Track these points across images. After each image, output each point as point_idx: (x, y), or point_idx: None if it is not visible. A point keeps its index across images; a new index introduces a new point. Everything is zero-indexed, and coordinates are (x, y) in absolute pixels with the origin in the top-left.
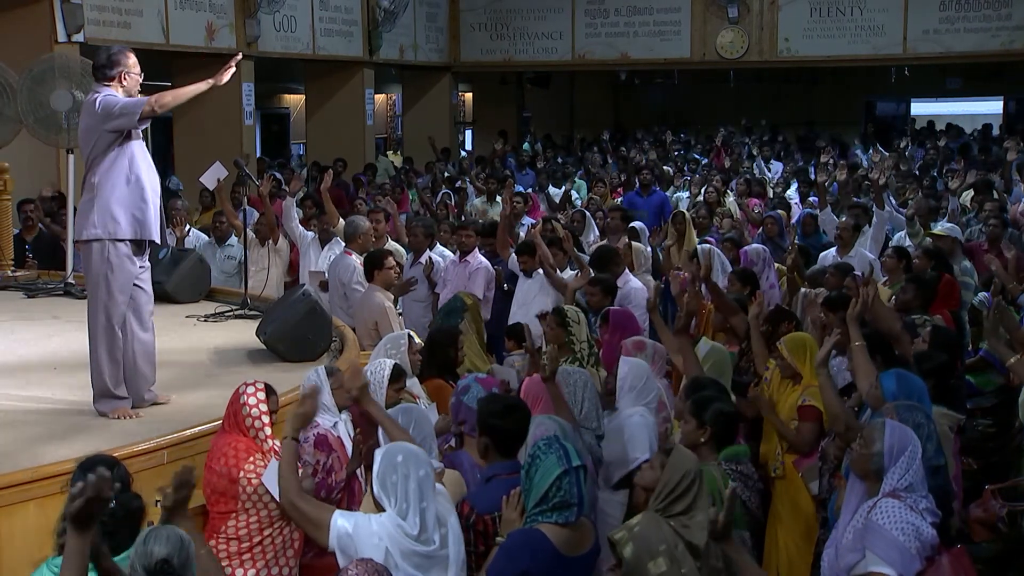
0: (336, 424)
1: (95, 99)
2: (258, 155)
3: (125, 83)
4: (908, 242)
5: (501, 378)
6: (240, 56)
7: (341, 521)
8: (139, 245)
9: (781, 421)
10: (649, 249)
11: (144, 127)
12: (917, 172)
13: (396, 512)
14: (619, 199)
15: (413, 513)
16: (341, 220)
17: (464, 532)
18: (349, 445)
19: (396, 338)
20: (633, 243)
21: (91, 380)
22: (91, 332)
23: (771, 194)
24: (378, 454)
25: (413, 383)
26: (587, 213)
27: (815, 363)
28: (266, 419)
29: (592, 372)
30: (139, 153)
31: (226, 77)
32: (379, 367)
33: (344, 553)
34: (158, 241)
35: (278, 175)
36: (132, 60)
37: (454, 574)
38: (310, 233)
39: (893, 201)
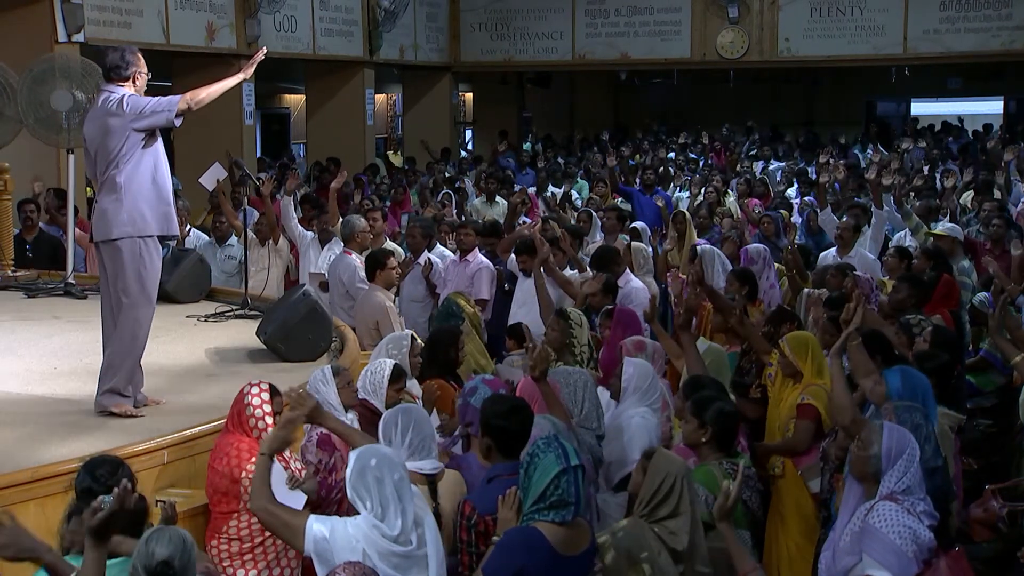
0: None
1: (121, 98)
2: (258, 155)
3: (137, 83)
4: (909, 241)
5: (506, 378)
6: (265, 50)
7: (317, 526)
8: (161, 241)
9: (780, 444)
10: (650, 249)
11: (179, 124)
12: (910, 171)
13: (371, 514)
14: (618, 199)
15: (392, 515)
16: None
17: (465, 532)
18: None
19: (399, 338)
20: (633, 243)
21: (103, 375)
22: (119, 330)
23: (772, 194)
24: (351, 457)
25: (412, 384)
26: (593, 213)
27: (831, 351)
28: (270, 420)
29: (592, 373)
30: (160, 152)
31: (251, 70)
32: (379, 367)
33: (320, 557)
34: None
35: (263, 175)
36: (142, 60)
37: (435, 571)
38: (310, 233)
39: (892, 202)
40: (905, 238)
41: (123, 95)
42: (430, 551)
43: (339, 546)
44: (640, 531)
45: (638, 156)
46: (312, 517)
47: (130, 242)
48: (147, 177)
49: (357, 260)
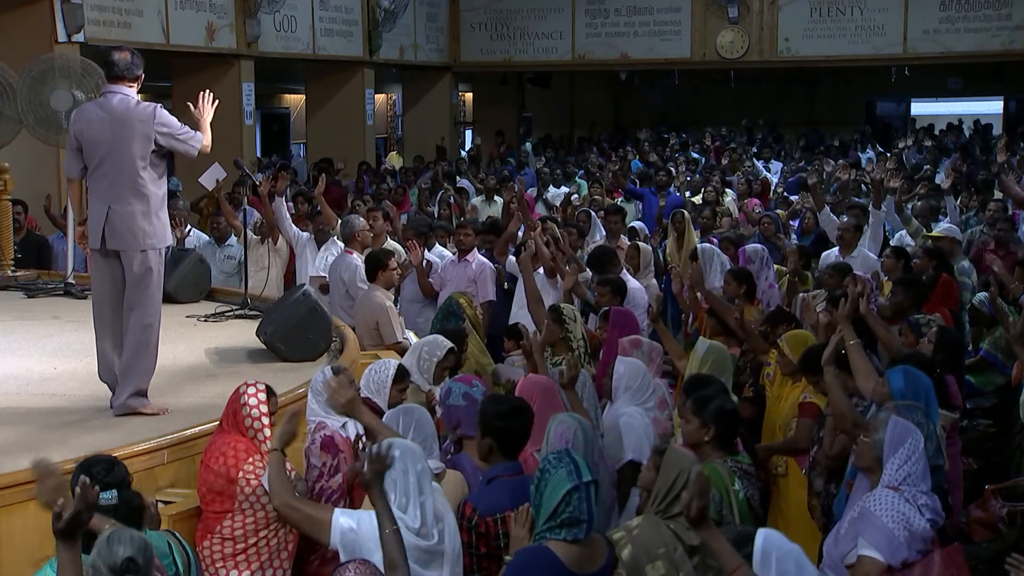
0: (345, 424)
1: (153, 109)
2: (258, 155)
3: (138, 84)
4: (908, 241)
5: (507, 378)
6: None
7: (343, 519)
8: None
9: (782, 444)
10: (651, 249)
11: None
12: (915, 175)
13: (395, 506)
14: (619, 199)
15: (413, 506)
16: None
17: (466, 534)
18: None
19: (437, 345)
20: (641, 245)
21: (123, 380)
22: (138, 335)
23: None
24: (372, 452)
25: (434, 391)
26: (592, 213)
27: (823, 360)
28: (266, 420)
29: (587, 368)
30: None
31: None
32: (383, 366)
33: (347, 549)
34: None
35: (260, 175)
36: None
37: (449, 570)
38: (305, 234)
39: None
40: (904, 238)
41: (155, 107)
42: (447, 547)
43: (365, 537)
44: (656, 527)
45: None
46: (338, 511)
47: (155, 252)
48: (163, 188)
49: (358, 260)
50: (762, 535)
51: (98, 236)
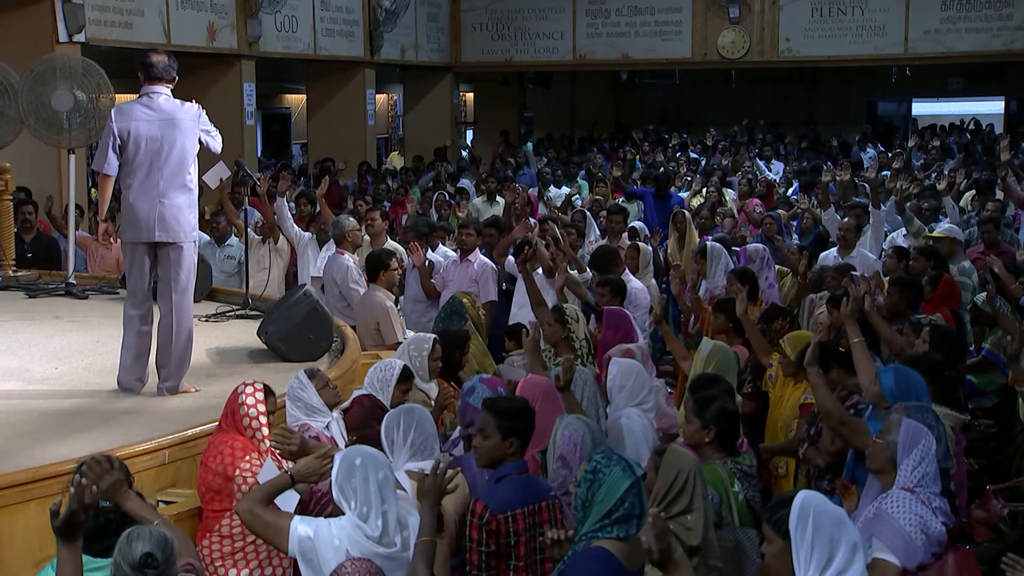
0: (329, 424)
1: (198, 108)
2: (259, 155)
3: (173, 84)
4: (901, 240)
5: (508, 378)
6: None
7: (301, 527)
8: None
9: (783, 445)
10: (651, 249)
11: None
12: (919, 175)
13: (356, 515)
14: (620, 198)
15: (375, 516)
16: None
17: (476, 531)
18: (343, 445)
19: (421, 340)
20: (641, 245)
21: (177, 366)
22: (183, 324)
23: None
24: (336, 458)
25: (429, 387)
26: (588, 213)
27: (805, 361)
28: (264, 419)
29: (590, 367)
30: None
31: None
32: (389, 366)
33: (305, 558)
34: None
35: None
36: None
37: None
38: (307, 234)
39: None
40: (898, 237)
41: (198, 106)
42: (411, 555)
43: (323, 546)
44: None
45: (638, 156)
46: (297, 518)
47: (191, 245)
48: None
49: (350, 260)
50: (803, 495)
51: (150, 229)
